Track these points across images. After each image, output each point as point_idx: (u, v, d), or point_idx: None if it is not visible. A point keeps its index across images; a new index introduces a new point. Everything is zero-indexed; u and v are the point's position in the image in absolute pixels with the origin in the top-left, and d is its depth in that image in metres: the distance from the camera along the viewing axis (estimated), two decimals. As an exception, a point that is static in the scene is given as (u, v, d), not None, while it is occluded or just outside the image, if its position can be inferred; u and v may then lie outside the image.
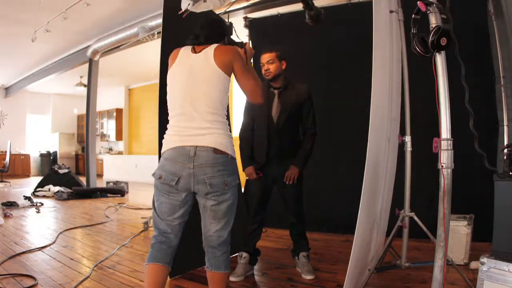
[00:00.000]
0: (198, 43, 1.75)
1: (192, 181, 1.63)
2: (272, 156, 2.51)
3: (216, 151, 1.63)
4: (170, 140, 1.68)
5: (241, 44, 1.84)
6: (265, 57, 2.48)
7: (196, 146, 1.62)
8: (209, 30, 1.77)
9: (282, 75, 2.51)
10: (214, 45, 1.71)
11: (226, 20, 1.99)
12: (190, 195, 1.70)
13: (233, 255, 2.96)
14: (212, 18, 1.88)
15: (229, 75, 1.70)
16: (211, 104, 1.66)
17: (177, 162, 1.63)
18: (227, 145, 1.67)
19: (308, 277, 2.47)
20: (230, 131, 1.78)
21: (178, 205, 1.69)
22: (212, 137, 1.64)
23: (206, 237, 1.75)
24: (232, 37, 1.91)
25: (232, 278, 2.47)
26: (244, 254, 2.56)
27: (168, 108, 1.76)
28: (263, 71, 2.49)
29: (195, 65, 1.69)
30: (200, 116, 1.65)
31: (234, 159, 1.72)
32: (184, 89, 1.69)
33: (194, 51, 1.72)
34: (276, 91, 2.52)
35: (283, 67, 2.49)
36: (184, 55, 1.74)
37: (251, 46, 1.84)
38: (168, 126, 1.73)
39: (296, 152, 2.52)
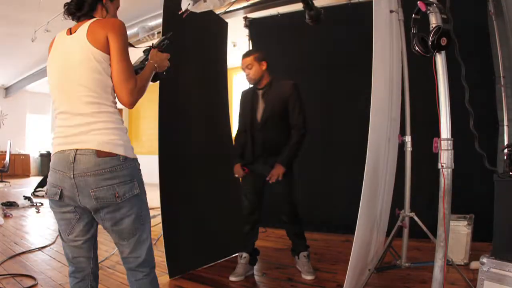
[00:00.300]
0: (70, 13, 1.44)
1: (76, 194, 1.31)
2: (258, 155, 2.51)
3: (99, 153, 1.29)
4: (53, 145, 1.38)
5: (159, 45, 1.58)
6: (243, 63, 2.50)
7: (76, 150, 1.29)
8: None
9: (265, 75, 2.51)
10: (92, 20, 1.37)
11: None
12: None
13: (233, 255, 2.96)
14: None
15: (105, 56, 1.33)
16: (90, 92, 1.32)
17: (57, 171, 1.33)
18: (116, 142, 1.32)
19: (308, 277, 2.47)
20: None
21: (74, 219, 1.38)
22: (94, 135, 1.30)
23: (122, 258, 1.45)
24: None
25: (232, 278, 2.47)
26: (244, 254, 2.56)
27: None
28: (246, 77, 2.53)
29: (69, 50, 1.35)
30: (79, 109, 1.32)
31: (130, 159, 1.36)
32: (60, 82, 1.37)
33: (70, 32, 1.39)
34: (260, 92, 2.54)
35: (264, 68, 2.48)
36: (58, 40, 1.41)
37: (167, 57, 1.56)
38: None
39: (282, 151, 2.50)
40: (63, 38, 1.40)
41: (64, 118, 1.35)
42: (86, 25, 1.35)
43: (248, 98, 2.60)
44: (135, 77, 1.35)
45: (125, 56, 1.34)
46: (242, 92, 2.81)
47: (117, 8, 1.54)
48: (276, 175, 2.41)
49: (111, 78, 1.34)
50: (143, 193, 1.42)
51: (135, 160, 1.40)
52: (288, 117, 2.49)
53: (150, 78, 1.47)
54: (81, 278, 1.44)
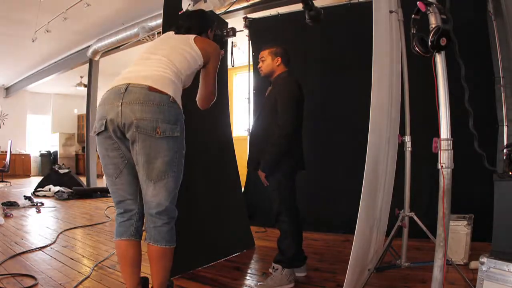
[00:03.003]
0: (179, 32, 1.76)
1: (119, 120, 1.35)
2: (255, 158, 2.43)
3: (151, 88, 1.36)
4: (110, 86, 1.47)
5: (224, 42, 1.94)
6: (260, 55, 2.51)
7: (129, 84, 1.37)
8: (191, 21, 1.79)
9: (276, 71, 2.44)
10: (195, 35, 1.72)
11: (216, 17, 2.10)
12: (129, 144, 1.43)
13: (234, 255, 2.97)
14: (195, 11, 1.93)
15: (202, 61, 1.67)
16: (170, 61, 1.52)
17: (106, 104, 1.39)
18: (169, 84, 1.42)
19: None
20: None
21: (122, 164, 1.44)
22: (150, 74, 1.41)
23: (144, 200, 1.50)
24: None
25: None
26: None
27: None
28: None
29: (172, 38, 1.71)
30: (154, 61, 1.48)
31: (176, 104, 1.45)
32: (152, 47, 1.66)
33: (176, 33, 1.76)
34: (268, 89, 2.52)
35: (276, 63, 2.42)
36: (165, 35, 1.79)
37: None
38: None
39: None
40: (169, 34, 1.78)
41: (138, 64, 1.52)
42: (192, 35, 1.71)
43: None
44: (214, 89, 1.91)
45: (215, 73, 1.79)
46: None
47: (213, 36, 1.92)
48: (263, 181, 2.35)
49: (203, 88, 1.87)
50: (182, 141, 1.50)
51: (180, 107, 1.50)
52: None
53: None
54: (128, 217, 1.51)
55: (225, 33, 2.14)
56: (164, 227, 1.48)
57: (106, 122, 1.37)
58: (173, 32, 1.78)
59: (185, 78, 1.62)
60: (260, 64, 2.50)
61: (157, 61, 1.51)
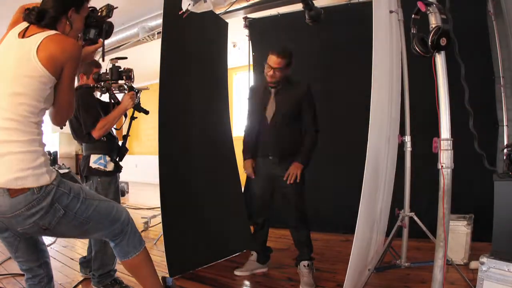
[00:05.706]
0: (29, 22, 1.32)
1: (6, 228, 1.32)
2: (266, 155, 2.46)
3: (12, 192, 1.18)
4: None
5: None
6: (276, 61, 2.34)
7: None
8: (47, 3, 1.34)
9: (284, 77, 2.44)
10: (52, 32, 1.28)
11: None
12: None
13: (234, 255, 2.97)
14: None
15: (52, 80, 1.26)
16: (14, 108, 1.21)
17: None
18: (27, 174, 1.20)
19: None
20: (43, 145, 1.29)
21: (15, 241, 1.39)
22: (4, 167, 1.19)
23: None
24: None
25: (237, 272, 2.54)
26: (252, 252, 2.64)
27: None
28: (268, 72, 2.38)
29: (11, 54, 1.27)
30: None
31: (43, 187, 1.23)
32: None
33: (23, 35, 1.28)
34: (272, 90, 2.47)
35: (288, 72, 2.43)
36: (10, 37, 1.32)
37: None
38: None
39: (295, 152, 2.43)
40: (14, 37, 1.30)
41: None
42: (40, 36, 1.26)
43: (259, 95, 2.52)
44: (71, 105, 1.40)
45: (73, 83, 1.40)
46: (251, 88, 2.78)
47: (83, 18, 1.46)
48: (295, 174, 2.33)
49: (57, 103, 1.34)
50: (73, 201, 1.33)
51: (49, 186, 1.25)
52: (301, 118, 2.46)
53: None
54: (38, 281, 1.49)
55: (103, 13, 1.61)
56: (120, 244, 1.53)
57: None
58: (18, 31, 1.30)
59: (39, 112, 1.28)
60: (277, 73, 2.35)
61: None
